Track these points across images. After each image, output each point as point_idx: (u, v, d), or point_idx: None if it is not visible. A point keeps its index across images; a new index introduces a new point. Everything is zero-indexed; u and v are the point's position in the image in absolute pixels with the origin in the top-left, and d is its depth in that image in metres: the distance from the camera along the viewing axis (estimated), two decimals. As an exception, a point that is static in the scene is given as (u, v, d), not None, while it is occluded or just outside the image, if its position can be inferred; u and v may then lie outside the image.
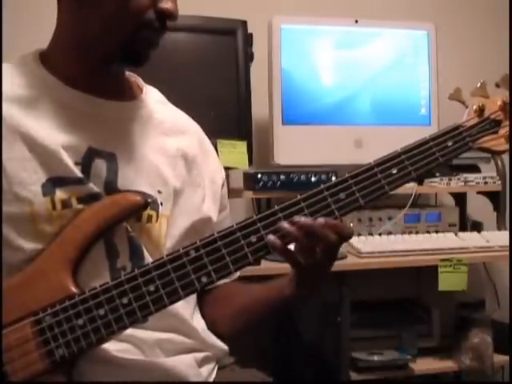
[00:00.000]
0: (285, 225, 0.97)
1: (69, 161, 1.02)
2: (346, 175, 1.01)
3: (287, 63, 2.09)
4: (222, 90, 1.98)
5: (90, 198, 1.02)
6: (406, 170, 1.01)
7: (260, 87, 2.09)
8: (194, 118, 1.25)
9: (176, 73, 1.84)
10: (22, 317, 0.96)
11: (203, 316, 1.19)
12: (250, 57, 2.04)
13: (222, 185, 1.24)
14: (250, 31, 2.03)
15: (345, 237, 1.00)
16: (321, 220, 0.97)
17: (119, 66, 1.10)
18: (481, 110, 1.06)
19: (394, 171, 1.01)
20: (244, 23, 2.01)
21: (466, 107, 1.08)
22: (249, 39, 2.03)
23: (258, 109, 2.08)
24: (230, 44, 2.00)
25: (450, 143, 1.03)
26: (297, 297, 1.11)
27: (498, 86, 1.08)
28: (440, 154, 1.02)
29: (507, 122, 1.05)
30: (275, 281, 1.16)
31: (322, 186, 1.00)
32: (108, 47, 1.04)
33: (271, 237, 0.97)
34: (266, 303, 1.17)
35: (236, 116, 1.99)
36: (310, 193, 1.00)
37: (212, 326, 1.18)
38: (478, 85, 1.09)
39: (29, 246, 1.00)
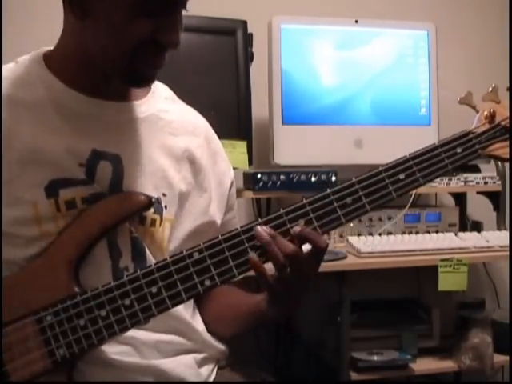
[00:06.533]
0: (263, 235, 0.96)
1: (72, 163, 1.01)
2: (353, 179, 0.99)
3: (287, 63, 2.09)
4: (221, 89, 1.98)
5: (94, 199, 1.01)
6: (413, 176, 1.00)
7: (260, 87, 2.09)
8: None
9: (176, 73, 1.84)
10: (23, 315, 0.95)
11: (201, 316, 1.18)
12: (250, 57, 2.04)
13: (231, 186, 1.21)
14: (250, 31, 2.03)
15: (320, 247, 0.97)
16: (296, 228, 0.96)
17: (122, 84, 1.06)
18: (491, 116, 1.03)
19: (402, 177, 1.00)
20: (244, 23, 2.02)
21: (477, 112, 1.05)
22: (249, 39, 2.03)
23: (258, 109, 2.08)
24: (230, 44, 2.00)
25: (459, 150, 1.02)
26: (272, 314, 1.08)
27: (508, 90, 1.05)
28: (449, 161, 1.01)
29: None
30: (254, 296, 1.13)
31: (329, 190, 0.99)
32: (107, 67, 1.02)
33: (253, 255, 0.96)
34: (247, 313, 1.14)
35: (236, 116, 1.99)
36: (316, 197, 0.98)
37: (208, 326, 1.16)
38: (490, 89, 1.06)
39: (34, 246, 1.00)
